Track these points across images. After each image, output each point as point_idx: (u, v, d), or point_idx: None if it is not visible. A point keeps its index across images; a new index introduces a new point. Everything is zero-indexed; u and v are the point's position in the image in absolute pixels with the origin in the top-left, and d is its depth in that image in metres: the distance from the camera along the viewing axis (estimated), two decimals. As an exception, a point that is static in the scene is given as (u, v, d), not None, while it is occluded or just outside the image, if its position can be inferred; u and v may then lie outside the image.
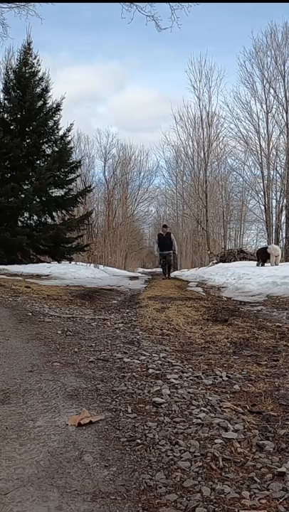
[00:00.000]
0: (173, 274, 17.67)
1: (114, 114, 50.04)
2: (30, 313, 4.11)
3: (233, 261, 15.63)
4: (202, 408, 1.73)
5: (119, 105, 52.22)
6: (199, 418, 1.63)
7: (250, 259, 15.37)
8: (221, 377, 2.18)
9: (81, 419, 1.58)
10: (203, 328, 3.68)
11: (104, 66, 51.79)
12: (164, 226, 13.13)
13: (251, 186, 21.36)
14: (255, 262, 11.67)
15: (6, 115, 14.81)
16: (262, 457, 1.34)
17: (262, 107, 19.52)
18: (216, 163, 23.17)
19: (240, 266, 11.87)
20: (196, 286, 9.63)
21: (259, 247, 14.17)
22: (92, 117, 49.45)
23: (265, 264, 10.44)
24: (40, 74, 15.25)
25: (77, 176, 17.45)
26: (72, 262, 15.72)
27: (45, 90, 15.29)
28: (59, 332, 3.29)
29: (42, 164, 14.80)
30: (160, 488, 1.17)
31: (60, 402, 1.77)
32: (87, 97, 53.64)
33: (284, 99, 18.67)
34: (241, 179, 22.35)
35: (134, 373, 2.21)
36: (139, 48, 49.06)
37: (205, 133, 22.69)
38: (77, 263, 16.46)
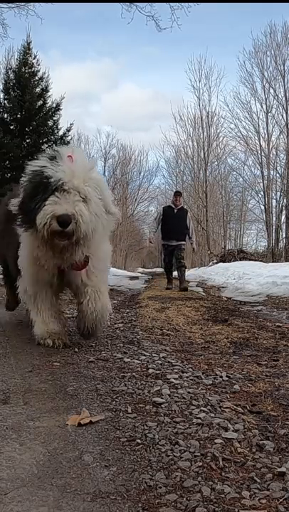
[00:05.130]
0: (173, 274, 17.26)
1: (107, 112, 50.04)
2: (30, 313, 4.10)
3: (233, 261, 15.63)
4: (202, 408, 1.73)
5: (112, 104, 52.20)
6: (199, 418, 1.62)
7: (250, 259, 15.38)
8: (221, 377, 2.18)
9: (81, 419, 1.58)
10: (203, 328, 3.68)
11: (97, 65, 51.79)
12: (178, 193, 7.61)
13: (251, 186, 21.40)
14: (256, 262, 11.67)
15: (5, 115, 14.83)
16: (262, 457, 1.34)
17: (262, 106, 19.60)
18: (216, 163, 23.25)
19: (240, 266, 11.88)
20: (196, 286, 9.64)
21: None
22: (85, 116, 49.50)
23: None
24: (39, 74, 15.31)
25: (77, 176, 17.43)
26: (72, 262, 15.67)
27: (45, 90, 15.32)
28: (59, 332, 3.29)
29: (42, 164, 14.78)
30: (160, 488, 1.17)
31: (60, 402, 1.77)
32: (79, 95, 53.69)
33: (284, 99, 18.72)
34: (241, 179, 22.42)
35: (134, 373, 2.20)
36: (133, 47, 49.17)
37: (205, 133, 22.77)
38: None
